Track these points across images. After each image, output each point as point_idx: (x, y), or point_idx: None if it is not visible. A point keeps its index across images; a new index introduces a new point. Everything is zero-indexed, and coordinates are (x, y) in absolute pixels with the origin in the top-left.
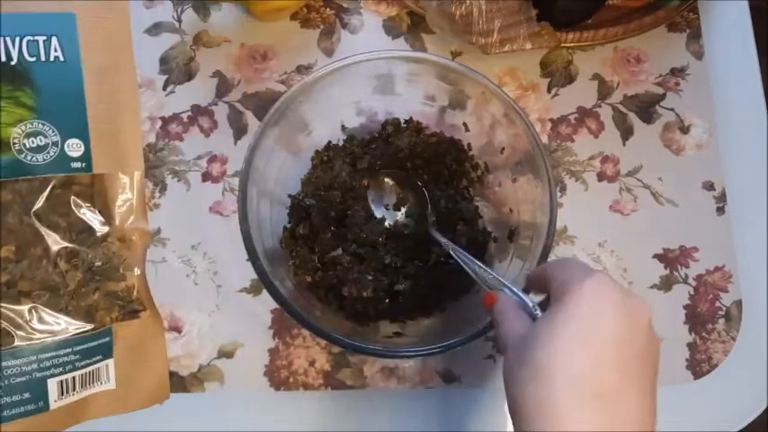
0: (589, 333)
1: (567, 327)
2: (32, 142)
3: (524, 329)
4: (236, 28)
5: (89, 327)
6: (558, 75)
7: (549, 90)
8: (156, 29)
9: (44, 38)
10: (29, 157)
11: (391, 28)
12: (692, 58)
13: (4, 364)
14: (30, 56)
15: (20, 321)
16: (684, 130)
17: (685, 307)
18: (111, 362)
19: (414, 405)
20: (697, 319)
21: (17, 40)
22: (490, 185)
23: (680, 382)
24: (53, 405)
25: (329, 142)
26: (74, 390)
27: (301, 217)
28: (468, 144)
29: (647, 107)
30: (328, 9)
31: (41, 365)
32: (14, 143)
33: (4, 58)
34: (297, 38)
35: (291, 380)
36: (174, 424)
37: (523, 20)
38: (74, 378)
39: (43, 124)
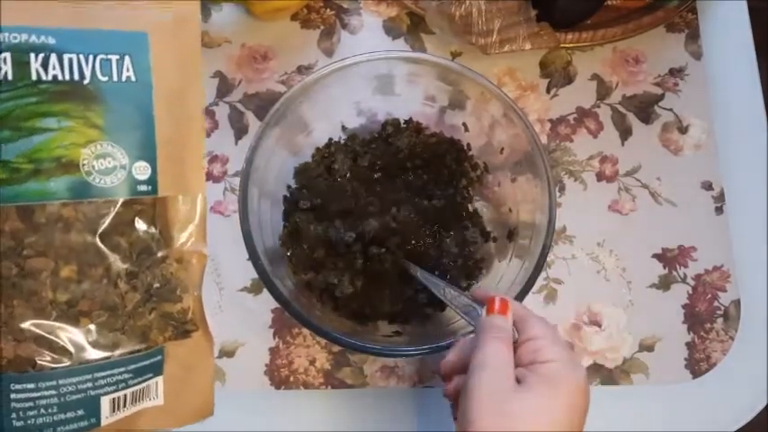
0: (571, 418)
1: (559, 414)
2: (101, 164)
3: (508, 388)
4: (236, 28)
5: (143, 346)
6: (557, 75)
7: (548, 90)
8: None
9: (117, 57)
10: (97, 180)
11: (391, 28)
12: (690, 58)
13: (61, 382)
14: (102, 75)
15: (78, 340)
16: (683, 130)
17: (684, 306)
18: (160, 379)
19: (413, 404)
20: (695, 318)
21: (90, 58)
22: (489, 185)
23: (678, 381)
24: (104, 421)
25: (330, 139)
26: (124, 407)
27: (292, 209)
28: (468, 144)
29: (645, 107)
30: (328, 10)
31: (96, 384)
32: (84, 164)
33: (77, 77)
34: (297, 38)
35: (292, 379)
36: None
37: (523, 20)
38: (125, 396)
39: (113, 146)
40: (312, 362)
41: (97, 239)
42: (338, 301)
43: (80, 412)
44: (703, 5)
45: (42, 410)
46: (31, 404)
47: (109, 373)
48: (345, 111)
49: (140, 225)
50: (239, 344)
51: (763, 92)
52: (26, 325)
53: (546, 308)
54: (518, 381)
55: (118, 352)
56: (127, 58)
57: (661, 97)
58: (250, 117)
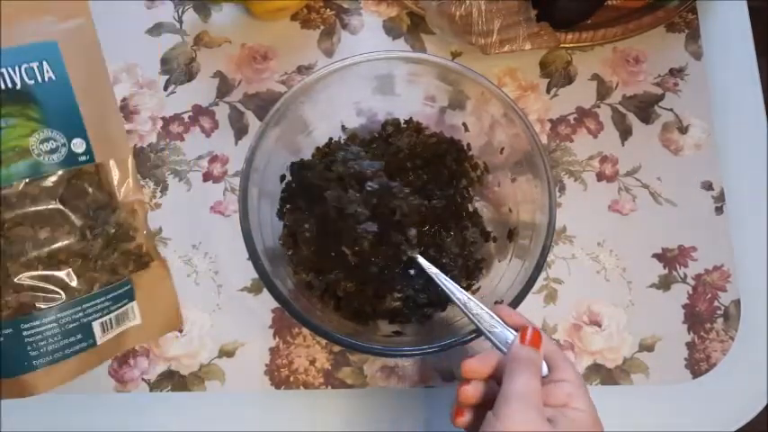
0: None
1: None
2: (46, 146)
3: (541, 424)
4: (236, 28)
5: (114, 278)
6: (557, 75)
7: (548, 90)
8: (157, 29)
9: (37, 63)
10: (46, 159)
11: (391, 28)
12: (690, 58)
13: (58, 315)
14: (29, 79)
15: (64, 282)
16: (683, 130)
17: (684, 306)
18: (134, 303)
19: (414, 404)
20: (696, 318)
21: (16, 68)
22: (490, 185)
23: (678, 381)
24: (99, 341)
25: (330, 139)
26: (111, 327)
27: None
28: (468, 144)
29: (645, 107)
30: (328, 10)
31: (86, 313)
32: (32, 149)
33: (9, 85)
34: (297, 38)
35: (292, 379)
36: (174, 423)
37: (523, 20)
38: (110, 319)
39: (51, 131)
40: (312, 362)
41: (59, 205)
42: (339, 300)
43: (79, 336)
44: (703, 5)
45: (50, 339)
46: (39, 336)
47: (93, 303)
48: (345, 111)
49: (90, 188)
50: (239, 344)
51: (763, 92)
52: (21, 278)
53: (546, 308)
54: (549, 419)
55: (96, 286)
56: (45, 63)
57: (661, 97)
58: (250, 117)
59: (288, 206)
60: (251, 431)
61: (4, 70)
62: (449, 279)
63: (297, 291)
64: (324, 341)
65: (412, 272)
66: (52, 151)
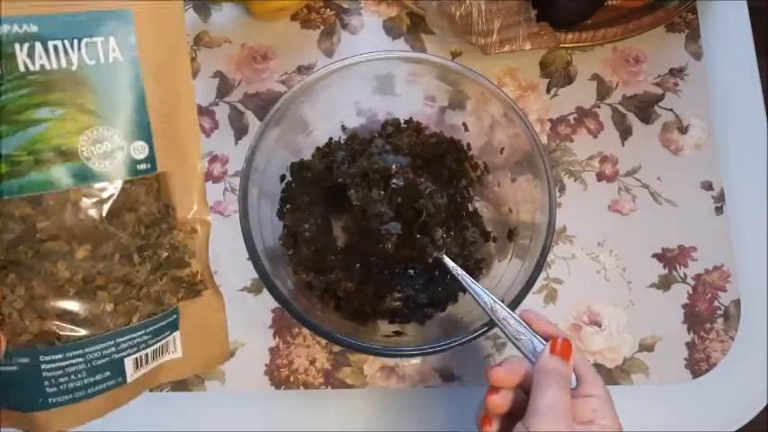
0: None
1: None
2: (99, 149)
3: None
4: (236, 28)
5: (158, 309)
6: (557, 75)
7: (548, 90)
8: None
9: (102, 39)
10: (97, 164)
11: (391, 28)
12: (690, 58)
13: (86, 350)
14: (89, 59)
15: (98, 312)
16: (683, 130)
17: (684, 306)
18: (177, 334)
19: (413, 404)
20: (696, 318)
21: (75, 43)
22: (490, 185)
23: (678, 381)
24: (130, 378)
25: (330, 139)
26: (147, 363)
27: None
28: (468, 144)
29: (645, 107)
30: (328, 9)
31: (119, 348)
32: (82, 151)
33: (64, 64)
34: (297, 38)
35: (292, 379)
36: (174, 423)
37: (523, 20)
38: (146, 354)
39: (108, 129)
40: (312, 362)
41: (105, 219)
42: (339, 300)
43: (107, 374)
44: (703, 5)
45: (72, 376)
46: (61, 372)
47: (129, 337)
48: (345, 111)
49: (145, 201)
50: (239, 344)
51: (763, 92)
52: (47, 303)
53: (546, 308)
54: None
55: (135, 317)
56: (111, 39)
57: (661, 97)
58: (250, 117)
59: (288, 206)
60: (251, 431)
61: (58, 43)
62: (475, 281)
63: (297, 291)
64: (324, 341)
65: (412, 272)
66: (106, 155)
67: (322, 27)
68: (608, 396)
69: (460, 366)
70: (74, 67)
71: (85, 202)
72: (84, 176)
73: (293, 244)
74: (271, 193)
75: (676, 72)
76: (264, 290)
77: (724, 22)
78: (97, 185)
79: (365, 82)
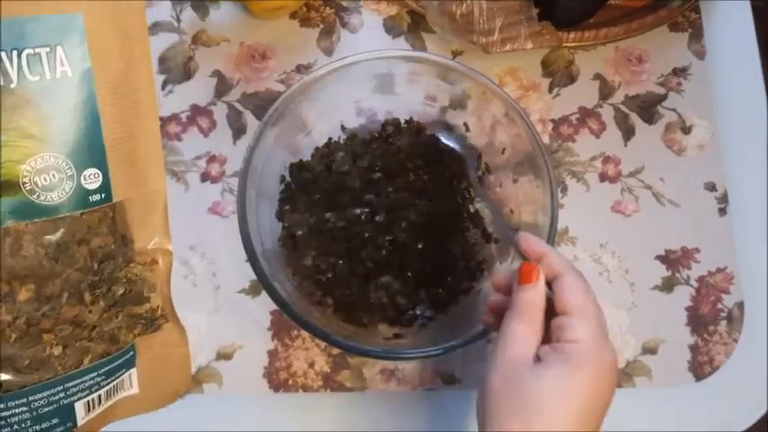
0: (591, 405)
1: (576, 397)
2: (45, 179)
3: (525, 365)
4: (235, 27)
5: (113, 348)
6: (559, 74)
7: (550, 90)
8: (154, 28)
9: (47, 49)
10: (42, 197)
11: (391, 27)
12: (693, 57)
13: (31, 398)
14: (32, 74)
15: (44, 356)
16: (686, 130)
17: (687, 308)
18: (134, 371)
19: (413, 407)
20: (699, 320)
21: (14, 55)
22: (491, 186)
23: (681, 383)
24: (81, 422)
25: (330, 139)
26: (99, 404)
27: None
28: (469, 144)
29: (648, 107)
30: (328, 8)
31: (68, 393)
32: (24, 183)
33: (2, 82)
34: (296, 37)
35: (291, 382)
36: (172, 426)
37: (524, 19)
38: (99, 396)
39: (55, 157)
40: (311, 365)
41: (52, 255)
42: (338, 303)
43: (55, 421)
44: (706, 5)
45: (16, 426)
46: (2, 422)
47: (80, 380)
48: (345, 110)
49: (98, 232)
50: (237, 346)
51: (766, 92)
52: None
53: None
54: (539, 358)
55: (87, 359)
56: (59, 50)
57: (664, 97)
58: (248, 117)
59: (287, 207)
60: None
61: None
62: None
63: (296, 293)
64: (323, 344)
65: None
66: (53, 187)
67: (321, 26)
68: (585, 306)
69: (460, 369)
70: (12, 85)
71: (28, 237)
72: (27, 213)
73: (292, 246)
74: (269, 194)
75: (679, 72)
76: (263, 292)
77: (727, 22)
78: (42, 220)
79: (365, 81)
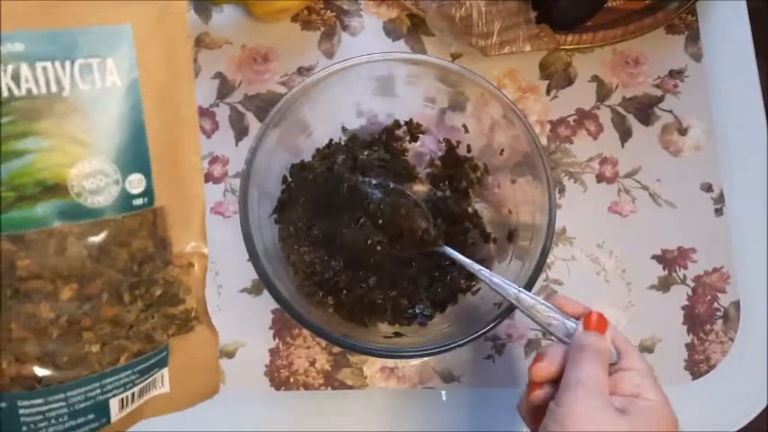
0: None
1: None
2: (92, 183)
3: (609, 410)
4: (237, 30)
5: (148, 347)
6: (557, 77)
7: (548, 92)
8: None
9: (98, 60)
10: (89, 200)
11: (391, 30)
12: (690, 60)
13: (69, 393)
14: (83, 83)
15: (83, 354)
16: (683, 131)
17: (684, 308)
18: (165, 370)
19: (413, 405)
20: (695, 319)
21: (67, 64)
22: (489, 187)
23: (678, 382)
24: (114, 419)
25: (330, 140)
26: (132, 402)
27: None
28: (468, 146)
29: (645, 109)
30: (329, 11)
31: (104, 389)
32: (72, 186)
33: (54, 89)
34: (298, 40)
35: (292, 380)
36: (173, 423)
37: (523, 22)
38: (133, 393)
39: (103, 162)
40: (312, 363)
41: (94, 256)
42: (339, 301)
43: (90, 416)
44: (703, 7)
45: (53, 421)
46: (41, 417)
47: (116, 378)
48: (346, 112)
49: (139, 235)
50: (239, 344)
51: (762, 93)
52: (27, 346)
53: None
54: (618, 409)
55: (123, 357)
56: (110, 61)
57: (661, 99)
58: (250, 118)
59: (288, 207)
60: None
61: (48, 65)
62: (494, 274)
63: (297, 292)
64: (324, 342)
65: (412, 273)
66: (99, 191)
67: (322, 28)
68: (650, 370)
69: (460, 367)
70: (65, 93)
71: (73, 237)
72: (74, 215)
73: (292, 245)
74: (271, 194)
75: (676, 74)
76: (264, 291)
77: (724, 24)
78: (86, 222)
79: (365, 83)
